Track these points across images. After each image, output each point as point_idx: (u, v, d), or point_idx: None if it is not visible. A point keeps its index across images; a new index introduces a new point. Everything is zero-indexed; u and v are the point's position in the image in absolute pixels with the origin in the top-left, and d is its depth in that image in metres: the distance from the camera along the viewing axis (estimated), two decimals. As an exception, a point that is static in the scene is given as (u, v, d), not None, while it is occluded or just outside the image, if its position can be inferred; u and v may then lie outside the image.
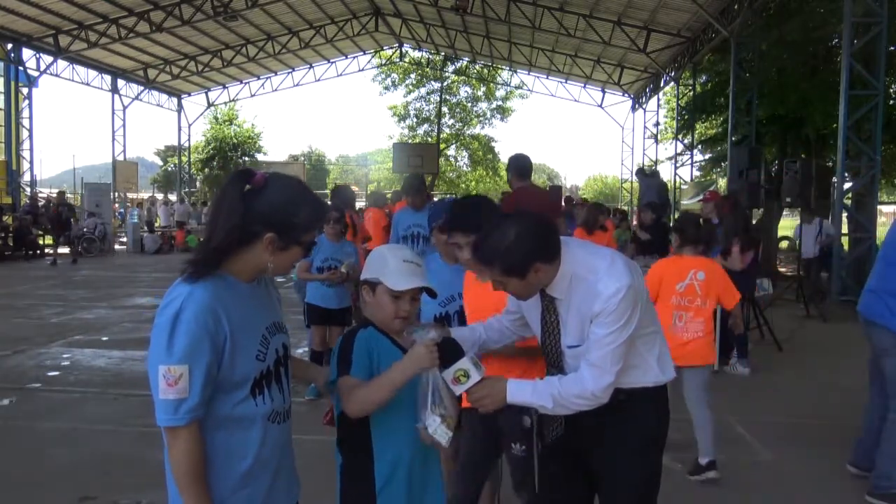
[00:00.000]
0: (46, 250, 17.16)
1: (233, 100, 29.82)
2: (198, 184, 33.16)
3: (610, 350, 1.94)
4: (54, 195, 19.85)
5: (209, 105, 29.13)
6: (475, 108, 33.03)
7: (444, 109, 32.38)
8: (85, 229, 18.02)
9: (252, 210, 1.54)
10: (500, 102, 32.62)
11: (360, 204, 25.09)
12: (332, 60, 27.19)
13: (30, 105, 19.60)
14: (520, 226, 1.96)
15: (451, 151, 34.26)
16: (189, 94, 27.56)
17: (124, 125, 23.87)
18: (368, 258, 2.01)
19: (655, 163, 21.93)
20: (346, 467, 1.95)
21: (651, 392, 2.12)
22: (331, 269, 5.07)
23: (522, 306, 2.22)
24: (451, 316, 2.79)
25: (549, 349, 2.15)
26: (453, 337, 2.08)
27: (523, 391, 2.02)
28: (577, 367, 2.03)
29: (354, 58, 27.66)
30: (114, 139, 23.72)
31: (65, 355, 6.77)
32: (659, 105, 22.97)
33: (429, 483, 1.96)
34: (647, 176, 16.01)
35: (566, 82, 25.36)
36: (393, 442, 1.89)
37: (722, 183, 19.76)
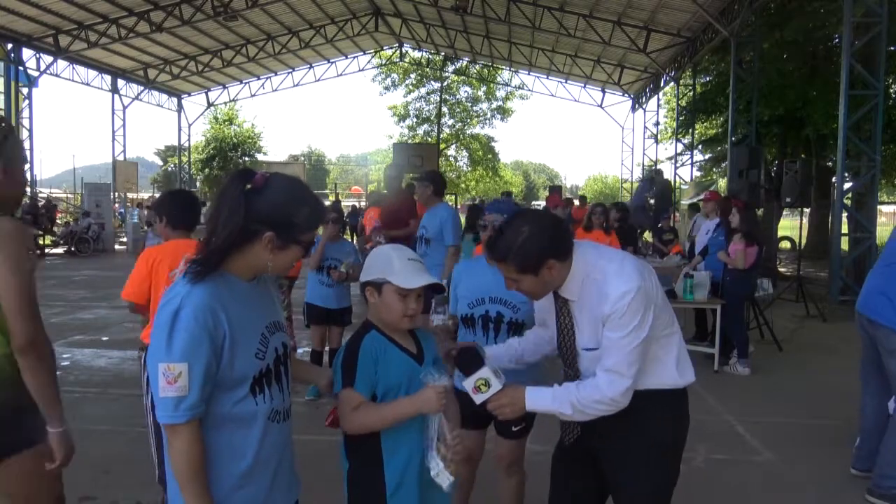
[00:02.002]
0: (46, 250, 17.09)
1: (233, 100, 29.80)
2: (198, 184, 33.09)
3: (626, 353, 1.92)
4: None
5: (209, 105, 29.11)
6: (475, 108, 33.02)
7: (444, 109, 32.36)
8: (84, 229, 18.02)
9: (252, 209, 1.55)
10: (500, 102, 32.61)
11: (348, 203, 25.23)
12: (332, 60, 27.18)
13: (30, 105, 19.57)
14: (533, 223, 1.96)
15: (451, 151, 34.25)
16: (189, 94, 27.54)
17: (124, 125, 23.88)
18: (369, 259, 1.97)
19: (655, 163, 21.93)
20: (354, 474, 1.92)
21: (668, 395, 2.09)
22: (331, 268, 5.07)
23: (542, 308, 2.23)
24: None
25: (564, 349, 2.15)
26: (488, 353, 2.09)
27: (542, 398, 2.02)
28: (594, 371, 2.01)
29: (354, 58, 27.66)
30: (114, 139, 23.73)
31: (65, 355, 6.76)
32: (659, 105, 22.94)
33: (438, 488, 1.89)
34: (642, 179, 16.08)
35: (566, 82, 25.35)
36: (402, 447, 1.85)
37: (722, 183, 19.76)
